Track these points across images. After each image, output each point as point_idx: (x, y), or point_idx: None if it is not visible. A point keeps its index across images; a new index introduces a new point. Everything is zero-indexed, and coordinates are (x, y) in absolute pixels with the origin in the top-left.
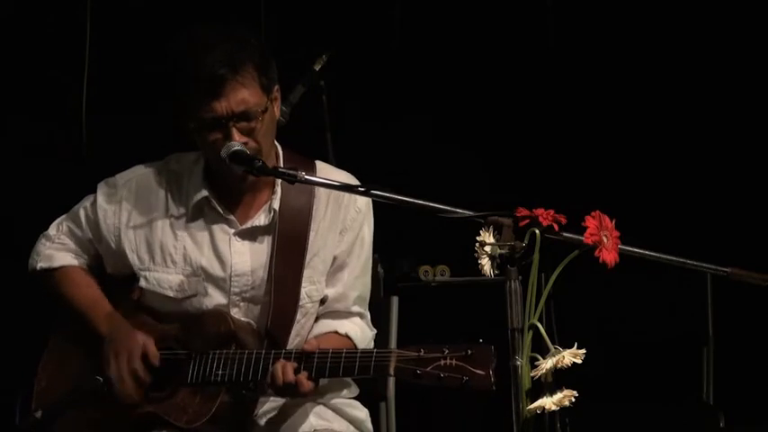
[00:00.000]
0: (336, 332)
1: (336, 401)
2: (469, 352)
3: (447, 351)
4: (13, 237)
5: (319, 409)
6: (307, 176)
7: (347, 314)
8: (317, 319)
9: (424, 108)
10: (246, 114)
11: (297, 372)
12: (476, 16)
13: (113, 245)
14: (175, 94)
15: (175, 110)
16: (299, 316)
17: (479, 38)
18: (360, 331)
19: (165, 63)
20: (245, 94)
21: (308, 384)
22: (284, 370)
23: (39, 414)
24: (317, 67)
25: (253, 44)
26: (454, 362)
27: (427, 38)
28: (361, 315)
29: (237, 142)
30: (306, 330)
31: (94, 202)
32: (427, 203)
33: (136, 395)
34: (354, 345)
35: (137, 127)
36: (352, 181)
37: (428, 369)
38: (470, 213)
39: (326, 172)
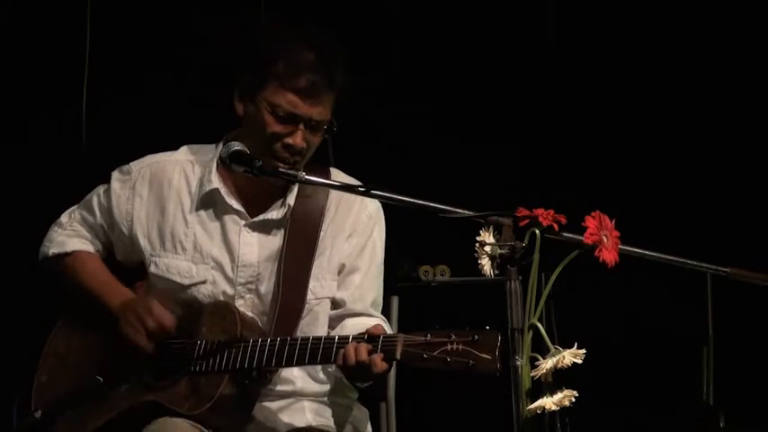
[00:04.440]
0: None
1: (336, 400)
2: (476, 337)
3: (454, 336)
4: (13, 234)
5: (318, 406)
6: (307, 176)
7: (368, 315)
8: (340, 320)
9: (424, 107)
10: (318, 126)
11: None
12: (476, 15)
13: (126, 230)
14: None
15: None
16: (304, 313)
17: (479, 37)
18: (388, 330)
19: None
20: (326, 108)
21: (382, 365)
22: (357, 350)
23: (38, 414)
24: None
25: (345, 68)
26: (461, 347)
27: (428, 37)
28: (381, 319)
29: (237, 143)
30: (312, 330)
31: (108, 189)
32: (427, 203)
33: (166, 324)
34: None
35: (137, 125)
36: None
37: (435, 353)
38: (470, 213)
39: (340, 179)
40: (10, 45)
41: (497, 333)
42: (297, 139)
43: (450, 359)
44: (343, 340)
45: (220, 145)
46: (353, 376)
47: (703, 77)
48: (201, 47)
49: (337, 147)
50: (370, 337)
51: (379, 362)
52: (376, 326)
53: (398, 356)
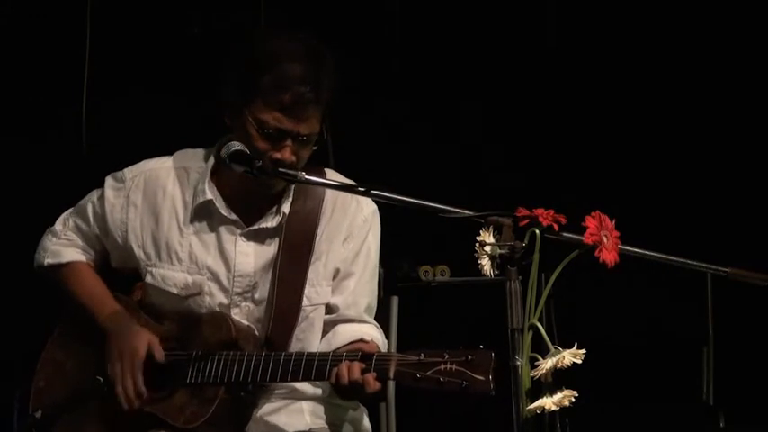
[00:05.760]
0: (362, 339)
1: (334, 400)
2: (470, 357)
3: (447, 356)
4: (13, 235)
5: (316, 407)
6: (306, 176)
7: (361, 321)
8: (333, 326)
9: (424, 107)
10: (308, 139)
11: (364, 372)
12: (476, 16)
13: (120, 240)
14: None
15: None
16: (299, 319)
17: (479, 37)
18: (380, 337)
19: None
20: (314, 123)
21: (374, 384)
22: (350, 369)
23: (38, 414)
24: None
25: (333, 77)
26: (454, 367)
27: (428, 37)
28: (374, 325)
29: (237, 143)
30: (307, 336)
31: (102, 197)
32: (427, 203)
33: (135, 396)
34: (379, 349)
35: (137, 126)
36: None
37: (428, 373)
38: (470, 213)
39: (335, 179)
40: (10, 45)
41: (491, 353)
42: (285, 154)
43: (443, 379)
44: (337, 358)
45: (214, 150)
46: (346, 394)
47: (703, 77)
48: (201, 47)
49: (337, 147)
50: (363, 355)
51: (371, 381)
52: (370, 343)
53: (391, 376)
